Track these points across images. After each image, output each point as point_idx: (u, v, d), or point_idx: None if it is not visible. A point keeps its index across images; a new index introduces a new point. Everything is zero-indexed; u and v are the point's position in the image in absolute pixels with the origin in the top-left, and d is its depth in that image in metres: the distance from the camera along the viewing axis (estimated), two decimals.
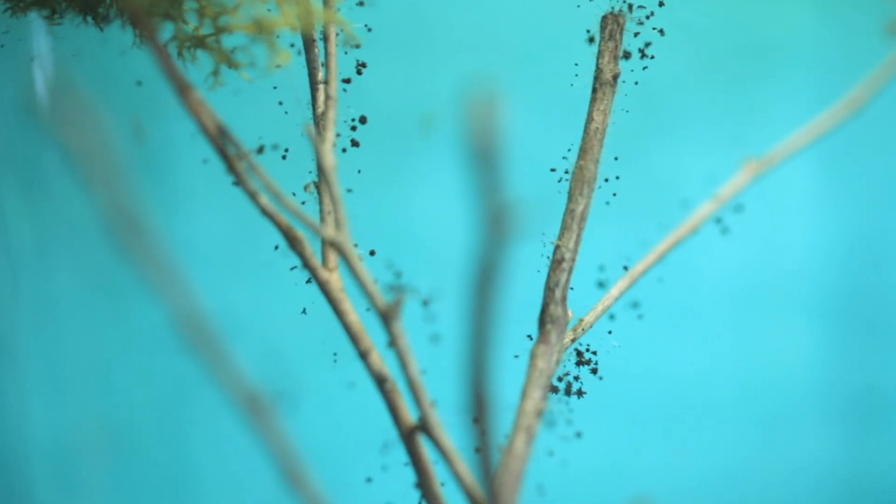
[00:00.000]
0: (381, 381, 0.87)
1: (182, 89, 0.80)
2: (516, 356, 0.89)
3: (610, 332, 0.94)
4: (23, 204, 1.32)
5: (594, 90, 0.91)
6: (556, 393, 0.90)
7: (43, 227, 1.33)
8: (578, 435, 0.88)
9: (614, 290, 0.95)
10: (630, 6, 0.92)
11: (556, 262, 0.90)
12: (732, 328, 1.45)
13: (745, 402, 1.46)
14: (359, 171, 0.96)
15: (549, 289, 0.90)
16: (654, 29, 0.94)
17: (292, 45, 0.93)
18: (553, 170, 0.97)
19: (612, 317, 1.01)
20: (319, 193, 0.91)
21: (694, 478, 1.43)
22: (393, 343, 0.83)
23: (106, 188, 0.64)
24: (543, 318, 0.89)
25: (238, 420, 0.75)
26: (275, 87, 0.94)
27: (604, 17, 0.91)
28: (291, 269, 0.91)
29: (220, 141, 0.81)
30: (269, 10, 0.79)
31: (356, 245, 0.86)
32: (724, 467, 1.45)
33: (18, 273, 1.31)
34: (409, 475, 0.88)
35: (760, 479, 1.46)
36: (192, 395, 1.33)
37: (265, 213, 0.85)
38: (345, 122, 0.95)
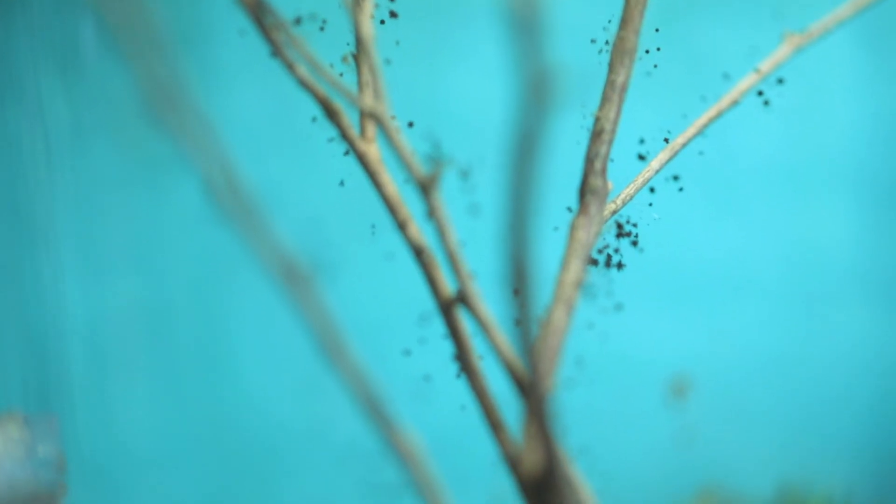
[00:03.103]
0: (419, 253, 0.86)
1: None
2: (556, 228, 0.88)
3: (651, 205, 0.94)
4: (58, 81, 1.32)
5: None
6: (596, 265, 0.89)
7: (79, 103, 1.33)
8: (619, 308, 0.88)
9: (654, 163, 0.94)
10: None
11: (595, 134, 0.89)
12: (773, 204, 1.44)
13: (786, 280, 1.46)
14: (397, 43, 0.95)
15: (588, 160, 0.89)
16: None
17: None
18: (593, 41, 0.96)
19: (652, 190, 1.00)
20: (357, 65, 0.90)
21: (733, 356, 1.43)
22: (431, 214, 0.83)
23: (143, 61, 0.64)
24: (583, 190, 0.89)
25: (276, 292, 0.75)
26: None
27: None
28: (329, 140, 0.91)
29: (258, 12, 0.80)
30: None
31: (394, 116, 0.85)
32: (764, 345, 1.45)
33: (54, 151, 1.31)
34: (448, 348, 0.88)
35: (800, 358, 1.46)
36: (230, 269, 1.33)
37: (302, 84, 0.84)
38: None
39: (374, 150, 0.88)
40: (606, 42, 0.90)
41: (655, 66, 1.03)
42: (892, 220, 1.45)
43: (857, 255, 1.45)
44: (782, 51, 0.92)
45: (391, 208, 0.87)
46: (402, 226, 0.87)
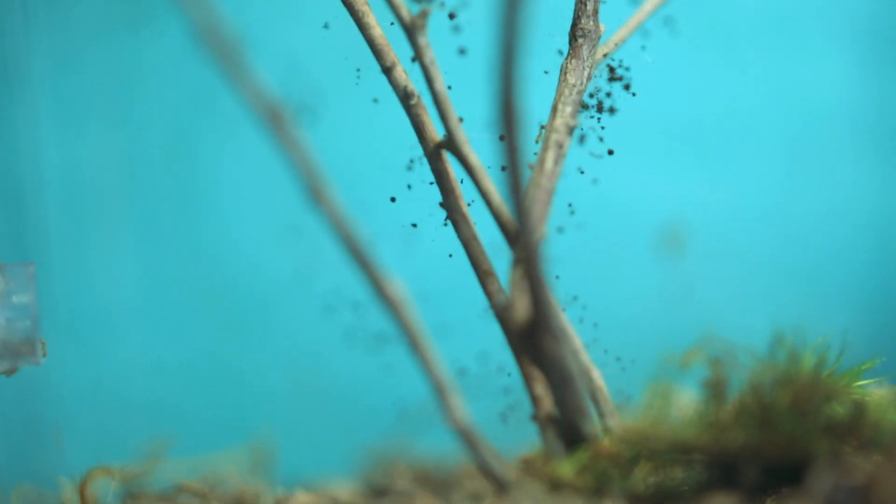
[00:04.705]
0: (406, 97, 0.87)
1: None
2: (546, 72, 0.88)
3: (644, 48, 0.93)
4: None
5: None
6: (588, 110, 0.89)
7: None
8: (611, 153, 0.88)
9: (648, 5, 0.94)
10: None
11: None
12: (769, 49, 1.43)
13: (783, 129, 1.46)
14: None
15: (580, 1, 0.89)
16: None
17: None
18: None
19: (645, 33, 1.00)
20: None
21: (728, 206, 1.44)
22: (418, 57, 0.83)
23: None
24: (574, 32, 0.88)
25: (260, 138, 0.76)
26: None
27: None
28: None
29: None
30: None
31: None
32: (759, 196, 1.45)
33: None
34: (435, 194, 0.88)
35: (796, 209, 1.47)
36: (212, 117, 1.33)
37: None
38: None
39: None
40: None
41: None
42: (891, 69, 1.44)
43: (856, 105, 1.45)
44: None
45: (377, 52, 0.87)
46: (388, 70, 0.87)
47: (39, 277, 0.93)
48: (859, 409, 0.76)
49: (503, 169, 0.74)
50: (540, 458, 0.81)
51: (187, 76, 1.32)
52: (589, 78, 0.88)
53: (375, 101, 0.90)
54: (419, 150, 0.88)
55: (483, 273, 0.87)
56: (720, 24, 1.40)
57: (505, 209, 0.84)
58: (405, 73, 0.87)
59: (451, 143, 0.84)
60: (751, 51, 1.43)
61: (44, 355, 0.91)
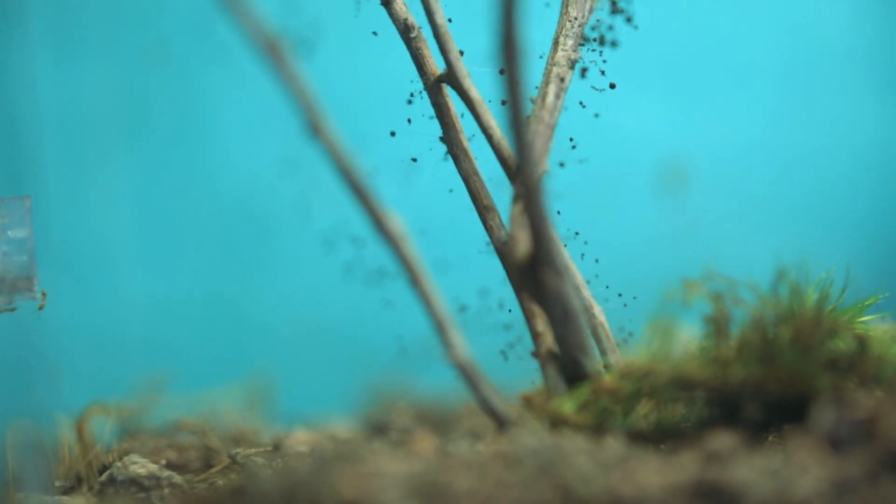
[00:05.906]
0: (406, 30, 0.86)
1: None
2: (548, 4, 0.88)
3: None
4: None
5: None
6: (589, 43, 0.89)
7: None
8: (613, 87, 0.88)
9: None
10: None
11: None
12: None
13: (786, 65, 1.45)
14: None
15: None
16: None
17: None
18: None
19: None
20: None
21: (729, 141, 1.44)
22: None
23: None
24: None
25: (259, 70, 0.76)
26: None
27: None
28: None
29: None
30: None
31: None
32: (760, 131, 1.45)
33: None
34: (435, 128, 0.89)
35: (797, 144, 1.47)
36: (209, 48, 1.33)
37: None
38: None
39: None
40: None
41: None
42: (893, 1, 1.44)
43: (858, 38, 1.45)
44: None
45: None
46: (388, 2, 0.87)
47: (36, 212, 0.93)
48: (862, 345, 0.76)
49: (504, 103, 0.74)
50: (541, 395, 0.82)
51: (185, 8, 1.31)
52: (591, 10, 0.88)
53: (375, 33, 0.90)
54: (419, 84, 0.88)
55: (483, 208, 0.87)
56: None
57: (506, 144, 0.84)
58: (405, 5, 0.86)
59: (451, 77, 0.84)
60: None
61: (41, 308, 0.91)
